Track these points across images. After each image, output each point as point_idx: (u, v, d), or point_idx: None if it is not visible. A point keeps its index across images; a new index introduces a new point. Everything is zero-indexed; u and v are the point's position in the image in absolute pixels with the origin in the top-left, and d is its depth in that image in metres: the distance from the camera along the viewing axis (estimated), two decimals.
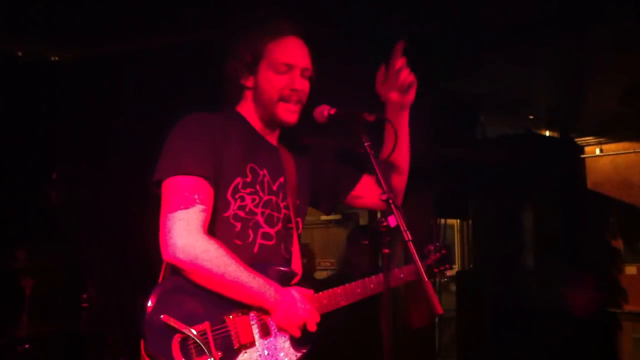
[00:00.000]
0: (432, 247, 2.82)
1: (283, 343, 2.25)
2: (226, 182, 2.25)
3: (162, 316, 2.03)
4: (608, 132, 7.04)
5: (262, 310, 2.23)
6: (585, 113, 6.77)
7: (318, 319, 2.28)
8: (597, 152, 7.21)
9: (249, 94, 2.41)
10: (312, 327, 2.26)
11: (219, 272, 2.11)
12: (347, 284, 2.47)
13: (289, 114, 2.37)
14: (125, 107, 4.41)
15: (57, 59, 4.25)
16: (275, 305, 2.21)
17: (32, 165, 3.99)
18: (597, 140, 7.19)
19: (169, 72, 4.35)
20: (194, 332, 2.05)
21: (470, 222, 7.42)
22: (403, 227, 2.00)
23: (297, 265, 2.46)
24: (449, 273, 2.88)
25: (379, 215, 4.62)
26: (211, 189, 2.19)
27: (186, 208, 2.11)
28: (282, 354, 2.24)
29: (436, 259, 2.81)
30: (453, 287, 6.98)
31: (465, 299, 6.50)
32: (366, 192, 2.62)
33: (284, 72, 2.35)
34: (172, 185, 2.16)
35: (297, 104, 2.38)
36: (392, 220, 2.01)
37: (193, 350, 2.05)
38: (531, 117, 6.77)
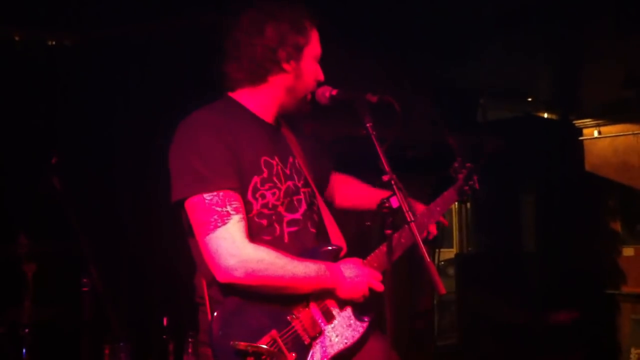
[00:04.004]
0: (456, 165, 2.78)
1: (348, 320, 2.28)
2: (245, 183, 2.21)
3: (230, 342, 2.04)
4: (606, 114, 7.03)
5: (325, 293, 2.25)
6: (584, 96, 6.78)
7: (380, 277, 2.30)
8: (596, 134, 7.19)
9: (278, 81, 2.31)
10: (379, 287, 2.28)
11: (278, 275, 2.12)
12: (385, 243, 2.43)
13: (309, 103, 2.39)
14: (126, 93, 4.40)
15: (54, 43, 4.22)
16: (337, 282, 2.22)
17: (33, 151, 3.97)
18: (595, 122, 7.17)
19: (172, 57, 4.34)
20: (264, 346, 2.07)
21: (468, 205, 7.43)
22: (405, 208, 2.01)
23: (336, 238, 2.45)
24: (477, 186, 2.80)
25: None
26: (239, 196, 2.15)
27: (224, 224, 2.08)
28: (350, 331, 2.27)
29: (464, 176, 2.78)
30: (451, 271, 7.00)
31: (464, 281, 6.52)
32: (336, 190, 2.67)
33: (317, 62, 2.35)
34: (200, 205, 2.10)
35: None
36: (395, 202, 2.02)
37: None
38: (530, 99, 6.77)
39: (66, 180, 3.42)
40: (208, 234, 2.08)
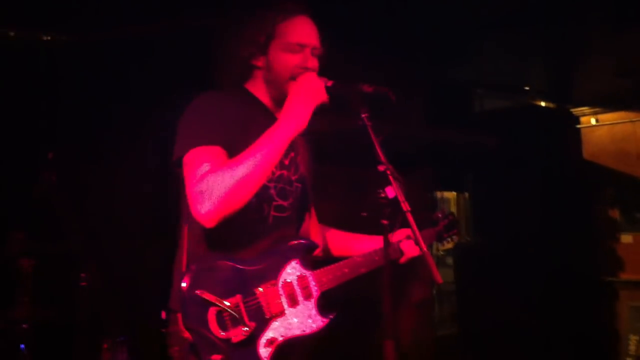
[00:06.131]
0: (440, 214, 2.96)
1: (310, 310, 2.35)
2: None
3: (197, 291, 2.10)
4: (604, 102, 7.02)
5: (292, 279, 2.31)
6: (580, 86, 6.77)
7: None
8: (593, 122, 7.18)
9: (259, 74, 2.43)
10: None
11: (235, 178, 2.10)
12: (364, 254, 2.62)
13: None
14: (125, 91, 4.39)
15: (49, 38, 4.21)
16: (286, 117, 2.24)
17: (29, 147, 3.97)
18: (592, 110, 7.16)
19: (171, 56, 4.33)
20: (228, 304, 2.13)
21: (467, 194, 7.43)
22: (401, 198, 2.02)
23: (316, 236, 2.59)
24: (456, 239, 3.04)
25: None
26: (225, 153, 2.21)
27: (194, 172, 2.15)
28: (309, 321, 2.33)
29: (445, 224, 2.96)
30: (450, 261, 7.01)
31: (463, 271, 6.53)
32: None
33: (296, 52, 2.38)
34: (191, 159, 2.18)
35: None
36: (391, 192, 2.03)
37: (229, 322, 2.13)
38: (527, 88, 6.76)
39: (63, 176, 3.43)
40: (191, 187, 2.13)
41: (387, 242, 2.12)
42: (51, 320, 3.62)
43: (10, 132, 4.08)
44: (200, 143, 2.19)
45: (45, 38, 4.25)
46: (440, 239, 2.97)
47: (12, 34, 4.16)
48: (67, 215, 3.38)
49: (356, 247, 2.74)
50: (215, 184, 2.09)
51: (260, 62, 2.41)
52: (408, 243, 2.74)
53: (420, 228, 2.06)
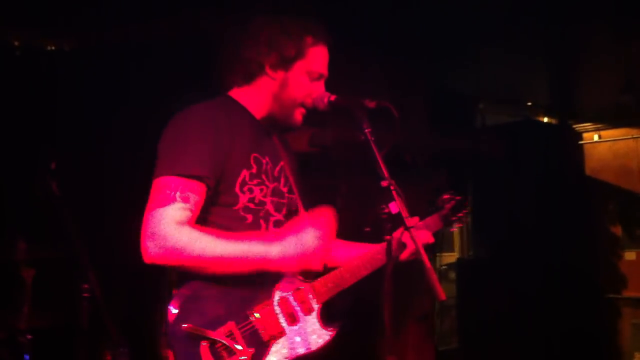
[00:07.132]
0: (446, 197, 2.79)
1: (313, 325, 2.25)
2: (233, 176, 2.22)
3: (184, 325, 2.00)
4: (606, 119, 7.03)
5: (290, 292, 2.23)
6: (583, 100, 6.78)
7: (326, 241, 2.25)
8: (596, 138, 7.20)
9: (265, 85, 2.36)
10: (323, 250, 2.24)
11: (194, 256, 2.04)
12: (361, 255, 2.50)
13: (301, 117, 2.38)
14: (125, 97, 4.39)
15: (54, 48, 4.23)
16: (279, 260, 2.15)
17: (31, 156, 3.97)
18: (595, 126, 7.18)
19: (170, 62, 4.33)
20: (219, 335, 2.03)
21: (469, 209, 7.40)
22: (404, 214, 2.00)
23: None
24: (466, 220, 2.88)
25: None
26: (203, 187, 2.13)
27: (163, 206, 2.05)
28: (314, 337, 2.23)
29: (451, 206, 2.79)
30: (452, 275, 6.99)
31: (465, 286, 6.51)
32: None
33: (314, 79, 2.35)
34: (157, 185, 2.11)
35: (308, 110, 2.39)
36: (394, 207, 2.01)
37: (224, 353, 2.03)
38: (529, 103, 6.77)
39: (65, 185, 3.42)
40: (147, 213, 2.07)
41: (390, 259, 2.11)
42: (52, 327, 3.61)
43: (12, 138, 4.09)
44: (179, 172, 2.10)
45: (49, 47, 4.27)
46: (447, 223, 2.79)
47: (16, 43, 4.19)
48: (68, 224, 3.37)
49: (352, 254, 2.61)
50: (172, 241, 2.02)
51: (277, 75, 2.33)
52: (405, 235, 2.63)
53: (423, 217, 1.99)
